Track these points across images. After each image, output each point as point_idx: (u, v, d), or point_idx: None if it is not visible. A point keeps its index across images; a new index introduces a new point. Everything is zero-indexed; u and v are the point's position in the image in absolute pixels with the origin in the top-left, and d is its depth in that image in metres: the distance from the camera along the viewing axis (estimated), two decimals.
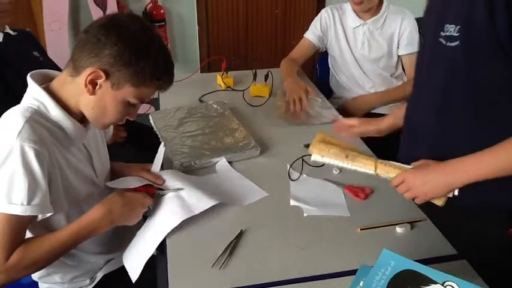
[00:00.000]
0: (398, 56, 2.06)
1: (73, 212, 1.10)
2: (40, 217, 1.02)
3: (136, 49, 0.99)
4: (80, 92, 1.02)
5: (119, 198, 1.10)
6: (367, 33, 2.02)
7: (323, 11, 2.11)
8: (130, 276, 1.08)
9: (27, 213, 0.96)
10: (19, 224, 0.97)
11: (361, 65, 2.08)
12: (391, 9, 2.01)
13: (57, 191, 1.04)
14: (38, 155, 0.95)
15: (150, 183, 1.21)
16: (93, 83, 0.99)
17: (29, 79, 1.04)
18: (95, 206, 1.07)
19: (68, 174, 1.07)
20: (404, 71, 2.11)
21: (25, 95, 1.04)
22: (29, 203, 0.95)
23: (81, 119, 1.09)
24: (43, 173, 0.96)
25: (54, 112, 1.02)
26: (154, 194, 1.18)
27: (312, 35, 2.10)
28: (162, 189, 1.21)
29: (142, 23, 1.05)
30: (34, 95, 1.02)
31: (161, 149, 1.31)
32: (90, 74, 0.98)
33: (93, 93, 1.01)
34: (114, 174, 1.28)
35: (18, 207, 0.94)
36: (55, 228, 1.07)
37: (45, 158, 0.97)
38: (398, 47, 2.03)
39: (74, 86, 1.02)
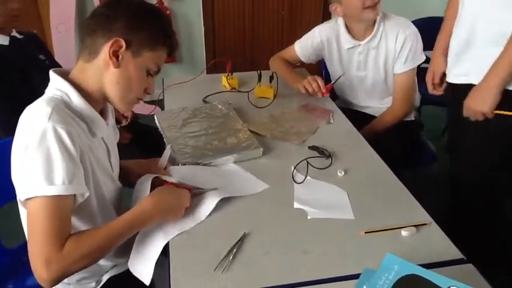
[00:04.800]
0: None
1: (98, 205, 1.12)
2: (79, 200, 1.00)
3: (144, 14, 1.06)
4: (102, 71, 1.05)
5: (166, 190, 1.14)
6: (363, 55, 1.88)
7: (316, 29, 1.98)
8: (144, 281, 1.07)
9: (69, 192, 0.93)
10: (64, 206, 0.93)
11: (356, 87, 2.00)
12: (387, 24, 1.81)
13: (87, 175, 1.03)
14: (70, 135, 0.95)
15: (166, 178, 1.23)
16: (116, 55, 1.03)
17: (51, 73, 1.06)
18: (145, 198, 1.09)
19: (93, 163, 1.08)
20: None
21: (48, 88, 1.06)
22: (70, 182, 0.93)
23: (101, 111, 1.11)
24: (77, 153, 0.97)
25: (77, 101, 1.04)
26: (191, 193, 1.19)
27: (299, 49, 2.04)
28: (200, 189, 1.22)
29: None
30: (57, 85, 1.04)
31: (167, 151, 1.31)
32: (111, 45, 1.01)
33: (118, 65, 1.03)
34: (122, 171, 1.29)
35: (60, 187, 0.92)
36: (84, 222, 1.08)
37: (77, 140, 0.98)
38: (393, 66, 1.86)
39: (94, 68, 1.05)
